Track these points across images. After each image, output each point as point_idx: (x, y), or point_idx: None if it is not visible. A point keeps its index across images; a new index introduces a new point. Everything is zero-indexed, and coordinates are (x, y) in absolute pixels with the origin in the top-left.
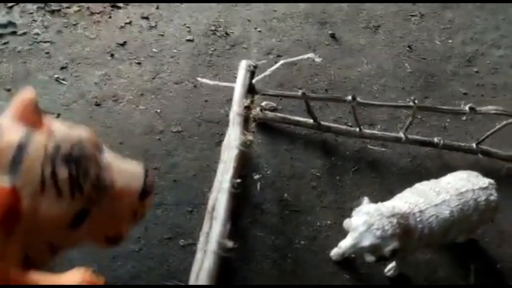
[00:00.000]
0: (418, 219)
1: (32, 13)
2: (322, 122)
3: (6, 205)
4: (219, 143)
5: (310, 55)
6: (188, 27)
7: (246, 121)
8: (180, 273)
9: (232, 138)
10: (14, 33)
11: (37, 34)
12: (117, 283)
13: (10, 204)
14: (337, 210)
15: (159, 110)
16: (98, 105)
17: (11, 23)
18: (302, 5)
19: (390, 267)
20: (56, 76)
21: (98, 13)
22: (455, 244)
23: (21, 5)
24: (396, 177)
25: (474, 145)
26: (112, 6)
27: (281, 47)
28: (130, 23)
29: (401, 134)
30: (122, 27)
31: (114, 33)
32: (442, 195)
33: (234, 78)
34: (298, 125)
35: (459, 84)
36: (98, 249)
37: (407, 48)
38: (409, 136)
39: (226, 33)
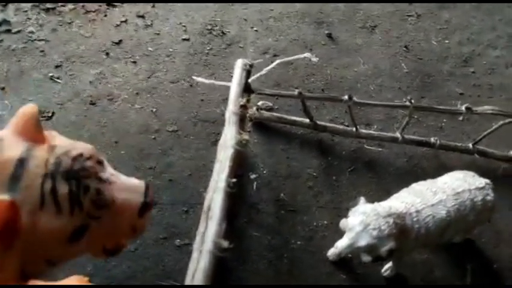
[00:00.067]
0: (414, 219)
1: (26, 11)
2: (318, 122)
3: (5, 219)
4: (215, 143)
5: (307, 55)
6: (184, 26)
7: (242, 120)
8: (175, 273)
9: (228, 138)
10: (8, 31)
11: (32, 32)
12: (113, 283)
13: (9, 218)
14: (333, 210)
15: (154, 109)
16: (93, 104)
17: (5, 21)
18: (298, 5)
19: (387, 268)
20: (50, 74)
21: (93, 11)
22: (452, 244)
23: (16, 3)
24: (393, 177)
25: (471, 145)
26: (107, 5)
27: (277, 46)
28: (125, 21)
29: (397, 134)
30: (117, 25)
31: (110, 32)
32: (438, 195)
33: (230, 78)
34: (295, 125)
35: (455, 85)
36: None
37: (404, 48)
38: (406, 136)
39: (223, 32)
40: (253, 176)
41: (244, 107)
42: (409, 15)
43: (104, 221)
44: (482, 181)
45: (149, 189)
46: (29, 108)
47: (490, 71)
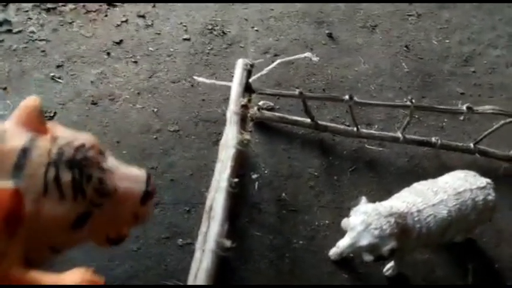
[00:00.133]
0: (416, 218)
1: (27, 11)
2: (319, 122)
3: (10, 206)
4: (216, 142)
5: (307, 54)
6: (185, 26)
7: (243, 120)
8: (178, 272)
9: (230, 137)
10: (9, 31)
11: (33, 32)
12: (115, 282)
13: (13, 205)
14: (335, 210)
15: (155, 109)
16: (94, 104)
17: (6, 21)
18: (299, 5)
19: (389, 267)
20: (51, 74)
21: (94, 11)
22: (453, 244)
23: (17, 3)
24: (394, 177)
25: (472, 145)
26: (108, 5)
27: (278, 46)
28: (126, 21)
29: (398, 134)
30: (118, 25)
31: (111, 32)
32: (439, 194)
33: (231, 78)
34: (296, 125)
35: (456, 84)
36: (97, 248)
37: (405, 48)
38: (407, 136)
39: (223, 32)
40: (254, 176)
41: (245, 107)
42: (410, 15)
43: (106, 209)
44: (483, 181)
45: (150, 178)
46: (31, 101)
47: (490, 71)
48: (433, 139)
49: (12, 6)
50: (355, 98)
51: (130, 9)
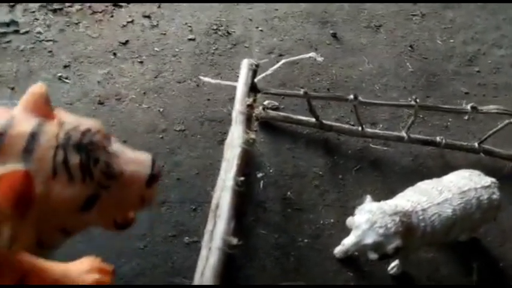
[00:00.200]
0: (420, 217)
1: (34, 12)
2: (324, 121)
3: (21, 188)
4: (222, 142)
5: (312, 54)
6: (190, 26)
7: (248, 120)
8: (184, 270)
9: (235, 137)
10: (16, 32)
11: (39, 33)
12: (122, 280)
13: (24, 187)
14: (339, 209)
15: (161, 109)
16: (101, 103)
17: (13, 22)
18: (303, 5)
19: (393, 266)
20: (59, 75)
21: (100, 12)
22: (457, 243)
23: (24, 3)
24: (398, 176)
25: (476, 144)
26: (114, 5)
27: (283, 46)
28: (132, 22)
29: (403, 133)
30: (124, 26)
31: (116, 32)
32: (444, 193)
33: (236, 77)
34: (301, 124)
35: (460, 84)
36: (103, 246)
37: (409, 48)
38: (411, 135)
39: (228, 32)
40: (259, 175)
41: (250, 107)
42: (414, 15)
43: (113, 191)
44: (488, 180)
45: (155, 162)
46: (38, 87)
47: (495, 70)
48: (438, 138)
49: (19, 7)
50: (360, 98)
51: (135, 10)
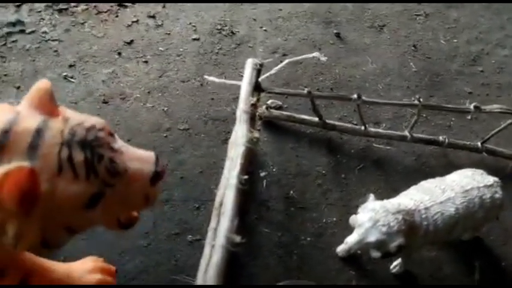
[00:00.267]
0: (423, 216)
1: (40, 12)
2: (327, 121)
3: (26, 185)
4: (226, 141)
5: (316, 54)
6: (194, 26)
7: (252, 119)
8: (187, 268)
9: (239, 135)
10: (22, 31)
11: (45, 32)
12: (126, 277)
13: (30, 184)
14: (342, 208)
15: (165, 108)
16: (105, 102)
17: (19, 22)
18: (307, 5)
19: (395, 264)
20: (64, 74)
21: (105, 12)
22: (460, 241)
23: (30, 3)
24: (401, 175)
25: (479, 144)
26: (119, 5)
27: (286, 46)
28: (137, 21)
29: (406, 133)
30: (128, 26)
31: (121, 32)
32: (447, 192)
33: (239, 77)
34: (304, 123)
35: (464, 84)
36: (107, 244)
37: (412, 48)
38: (414, 135)
39: (232, 32)
40: (263, 174)
41: (254, 106)
42: (418, 15)
43: (118, 189)
44: (490, 179)
45: (159, 159)
46: (42, 83)
47: (498, 70)
48: (441, 138)
49: (25, 7)
50: (363, 97)
51: (140, 10)
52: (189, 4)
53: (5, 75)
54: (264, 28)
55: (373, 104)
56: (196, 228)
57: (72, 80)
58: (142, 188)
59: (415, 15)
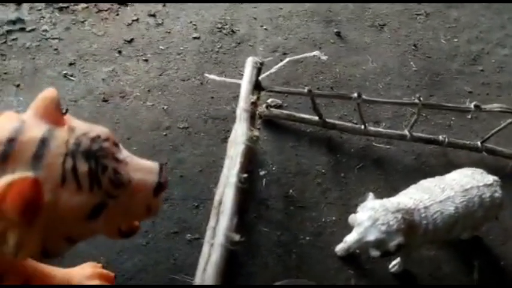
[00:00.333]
0: (422, 215)
1: (40, 10)
2: (327, 120)
3: (29, 196)
4: (225, 140)
5: (316, 53)
6: (194, 24)
7: (252, 118)
8: (186, 267)
9: (239, 134)
10: (22, 29)
11: (45, 31)
12: (125, 276)
13: (33, 194)
14: (342, 207)
15: (165, 107)
16: (105, 101)
17: (19, 20)
18: (308, 4)
19: (394, 263)
20: (64, 72)
21: (106, 10)
22: (459, 241)
23: (30, 3)
24: (401, 174)
25: (479, 143)
26: (119, 4)
27: (287, 44)
28: (137, 20)
29: (406, 132)
30: (129, 24)
31: (122, 30)
32: (446, 191)
33: (239, 76)
34: (304, 122)
35: (464, 83)
36: (106, 243)
37: (413, 47)
38: (414, 134)
39: (232, 30)
40: (262, 173)
41: (254, 105)
42: (418, 14)
43: (121, 200)
44: (490, 178)
45: (163, 170)
46: (49, 92)
47: (498, 70)
48: (441, 137)
49: (25, 5)
50: (363, 96)
51: (141, 8)
52: (189, 3)
53: (5, 73)
54: (264, 27)
55: (373, 103)
56: (195, 227)
57: (72, 78)
58: (145, 199)
59: (416, 14)
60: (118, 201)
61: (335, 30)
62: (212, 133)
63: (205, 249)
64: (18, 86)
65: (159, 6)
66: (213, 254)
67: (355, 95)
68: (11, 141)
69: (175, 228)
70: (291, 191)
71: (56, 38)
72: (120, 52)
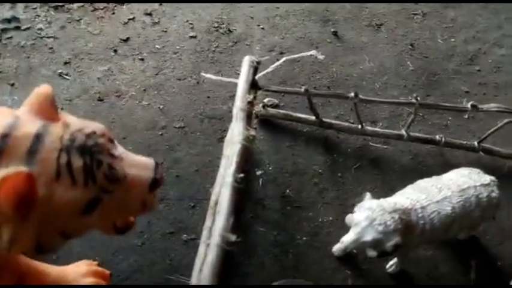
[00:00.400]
0: (419, 215)
1: (35, 8)
2: (324, 119)
3: (23, 190)
4: (221, 139)
5: (313, 52)
6: (191, 23)
7: (248, 117)
8: (182, 267)
9: (236, 133)
10: (17, 28)
11: (40, 29)
12: (120, 276)
13: (27, 189)
14: (338, 207)
15: (161, 106)
16: (100, 100)
17: (14, 18)
18: (305, 3)
19: (391, 263)
20: (59, 71)
21: (101, 9)
22: (456, 241)
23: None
24: (397, 174)
25: (476, 143)
26: (115, 2)
27: (284, 44)
28: (133, 19)
29: (403, 132)
30: (125, 23)
31: (118, 29)
32: (443, 191)
33: (236, 75)
34: (300, 122)
35: (461, 83)
36: (101, 243)
37: (410, 47)
38: (411, 134)
39: (229, 30)
40: (259, 173)
41: (250, 104)
42: (415, 14)
43: (116, 195)
44: (487, 178)
45: (158, 166)
46: (43, 88)
47: (495, 69)
48: (437, 137)
49: (20, 4)
50: (360, 96)
51: (137, 7)
52: (186, 2)
53: (0, 72)
54: (261, 26)
55: (370, 102)
56: (191, 227)
57: (67, 77)
58: (140, 195)
59: (413, 14)
60: (113, 196)
61: (332, 30)
62: (208, 133)
63: (201, 249)
64: (12, 85)
65: (156, 5)
66: (209, 254)
67: (352, 94)
68: (5, 136)
69: (171, 229)
70: (287, 190)
71: (51, 37)
72: (115, 51)
